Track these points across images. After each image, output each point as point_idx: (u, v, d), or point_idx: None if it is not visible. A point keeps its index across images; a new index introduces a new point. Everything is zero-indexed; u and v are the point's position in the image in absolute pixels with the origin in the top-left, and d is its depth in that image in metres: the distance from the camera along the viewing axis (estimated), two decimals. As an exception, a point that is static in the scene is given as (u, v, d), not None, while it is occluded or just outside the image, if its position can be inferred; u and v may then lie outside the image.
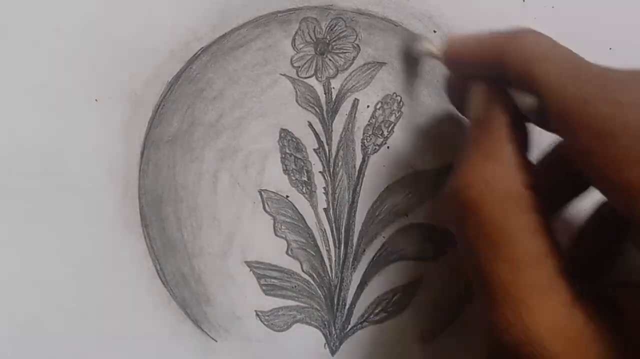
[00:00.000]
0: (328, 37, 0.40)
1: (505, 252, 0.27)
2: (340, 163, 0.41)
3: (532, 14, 0.41)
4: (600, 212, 0.35)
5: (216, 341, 0.40)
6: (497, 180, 0.28)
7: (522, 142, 0.30)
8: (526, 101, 0.30)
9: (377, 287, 0.41)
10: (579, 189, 0.35)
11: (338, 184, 0.41)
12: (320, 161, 0.40)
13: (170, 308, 0.39)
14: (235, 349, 0.40)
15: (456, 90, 0.36)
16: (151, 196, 0.39)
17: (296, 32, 0.40)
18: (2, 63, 0.38)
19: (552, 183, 0.33)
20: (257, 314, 0.40)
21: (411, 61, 0.41)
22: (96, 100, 0.38)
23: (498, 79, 0.31)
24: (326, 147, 0.40)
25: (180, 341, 0.40)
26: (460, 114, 0.39)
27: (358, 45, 0.40)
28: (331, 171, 0.41)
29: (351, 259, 0.41)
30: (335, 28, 0.40)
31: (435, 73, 0.41)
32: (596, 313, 0.26)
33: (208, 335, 0.40)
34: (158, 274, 0.39)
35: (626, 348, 0.25)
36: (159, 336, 0.39)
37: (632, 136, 0.25)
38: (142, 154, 0.39)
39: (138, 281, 0.39)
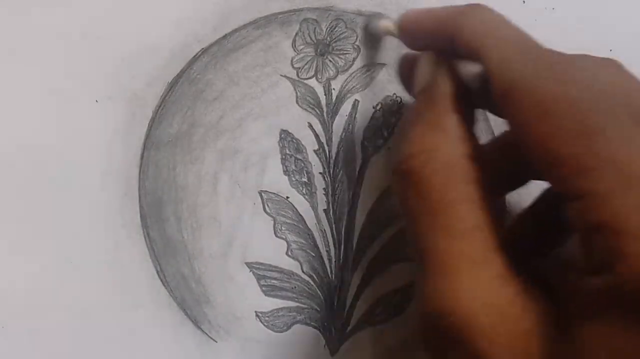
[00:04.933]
0: (328, 38, 0.40)
1: (442, 221, 0.27)
2: (340, 164, 0.41)
3: (532, 16, 0.41)
4: (543, 197, 0.35)
5: (216, 341, 0.40)
6: (439, 150, 0.28)
7: (467, 114, 0.30)
8: (473, 73, 0.30)
9: (377, 288, 0.41)
10: (519, 180, 0.35)
11: (338, 186, 0.41)
12: (321, 162, 0.40)
13: (170, 308, 0.39)
14: (235, 349, 0.40)
15: (407, 65, 0.36)
16: (151, 197, 0.39)
17: (296, 34, 0.40)
18: (2, 63, 0.38)
19: (496, 170, 0.33)
20: (257, 315, 0.40)
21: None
22: (96, 101, 0.38)
23: (448, 52, 0.31)
24: (326, 148, 0.40)
25: (180, 342, 0.40)
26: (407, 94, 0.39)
27: (358, 46, 0.40)
28: (331, 172, 0.41)
29: (351, 260, 0.41)
30: (335, 29, 0.40)
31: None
32: (529, 290, 0.26)
33: (208, 336, 0.40)
34: (158, 275, 0.39)
35: (557, 326, 0.25)
36: (159, 337, 0.39)
37: (574, 114, 0.25)
38: (142, 155, 0.39)
39: (138, 282, 0.39)
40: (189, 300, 0.40)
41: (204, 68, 0.39)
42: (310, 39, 0.40)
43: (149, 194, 0.39)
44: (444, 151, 0.28)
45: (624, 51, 0.43)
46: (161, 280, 0.39)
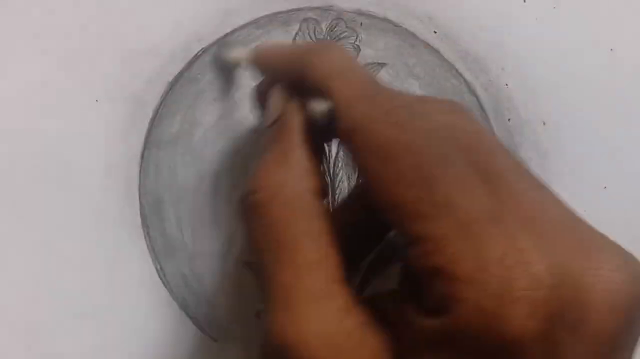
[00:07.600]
0: (328, 37, 0.40)
1: (287, 256, 0.27)
2: (340, 164, 0.41)
3: (533, 15, 0.41)
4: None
5: (217, 341, 0.40)
6: (285, 184, 0.28)
7: (315, 149, 0.31)
8: (322, 110, 0.30)
9: (376, 289, 0.41)
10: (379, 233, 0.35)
11: (338, 185, 0.41)
12: (321, 162, 0.40)
13: (171, 308, 0.39)
14: (236, 349, 0.40)
15: (260, 96, 0.36)
16: (152, 196, 0.39)
17: (297, 33, 0.40)
18: (2, 63, 0.38)
19: (355, 224, 0.33)
20: (258, 315, 0.40)
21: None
22: (97, 100, 0.38)
23: (300, 87, 0.31)
24: (326, 148, 0.40)
25: (180, 342, 0.40)
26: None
27: (358, 46, 0.40)
28: (331, 172, 0.41)
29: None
30: (335, 29, 0.40)
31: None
32: (369, 323, 0.26)
33: (209, 336, 0.40)
34: (158, 274, 0.39)
35: (396, 354, 0.26)
36: (159, 337, 0.39)
37: (410, 159, 0.25)
38: (142, 154, 0.39)
39: (138, 281, 0.39)
40: (189, 300, 0.40)
41: (205, 68, 0.39)
42: (311, 38, 0.40)
43: (149, 194, 0.39)
44: (290, 186, 0.28)
45: (624, 51, 0.43)
46: (161, 280, 0.39)
